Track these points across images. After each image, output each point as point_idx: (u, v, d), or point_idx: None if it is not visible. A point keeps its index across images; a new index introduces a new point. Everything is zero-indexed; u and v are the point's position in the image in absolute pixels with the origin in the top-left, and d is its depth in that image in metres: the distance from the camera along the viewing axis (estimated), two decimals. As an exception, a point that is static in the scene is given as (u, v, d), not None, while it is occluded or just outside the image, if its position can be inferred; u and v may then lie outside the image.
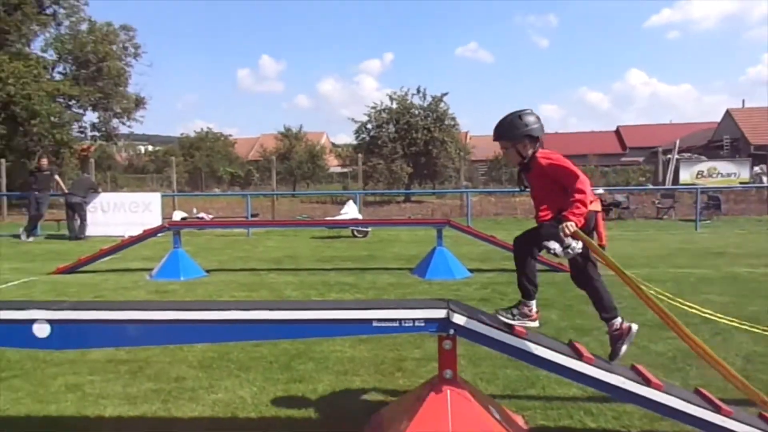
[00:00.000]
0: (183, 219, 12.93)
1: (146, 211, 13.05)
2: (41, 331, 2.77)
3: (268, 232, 13.66)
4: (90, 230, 12.56)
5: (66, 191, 12.98)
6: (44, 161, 13.71)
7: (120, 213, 13.06)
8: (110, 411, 3.27)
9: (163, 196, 14.35)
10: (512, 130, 2.87)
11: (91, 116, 26.86)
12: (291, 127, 39.91)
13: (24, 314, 2.83)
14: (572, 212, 2.62)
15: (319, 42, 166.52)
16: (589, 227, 2.86)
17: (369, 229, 12.68)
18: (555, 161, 2.82)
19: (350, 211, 12.85)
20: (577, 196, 2.65)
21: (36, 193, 12.77)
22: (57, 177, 13.52)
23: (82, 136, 26.66)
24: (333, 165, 39.72)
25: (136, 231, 10.00)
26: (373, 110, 26.07)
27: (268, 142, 42.70)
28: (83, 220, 12.57)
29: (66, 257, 9.02)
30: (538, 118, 2.89)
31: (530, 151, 2.88)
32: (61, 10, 25.25)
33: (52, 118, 22.52)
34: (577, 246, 2.62)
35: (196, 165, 36.22)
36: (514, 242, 2.95)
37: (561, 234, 2.61)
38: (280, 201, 20.18)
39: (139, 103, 27.45)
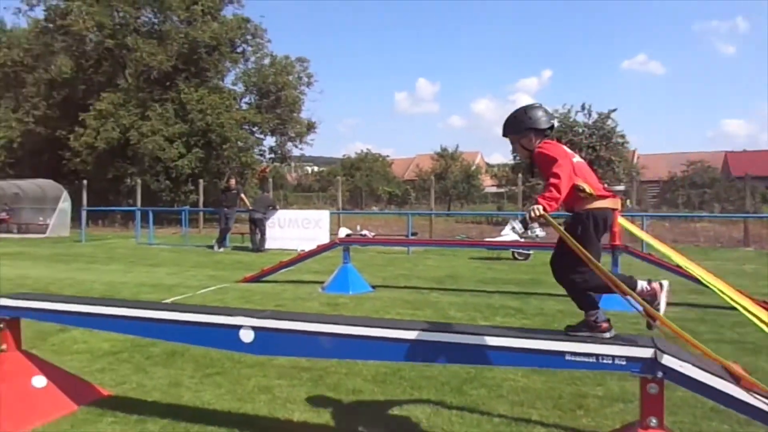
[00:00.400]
0: (347, 236, 13.66)
1: (316, 227, 14.04)
2: (247, 336, 3.06)
3: (426, 251, 13.86)
4: (268, 243, 13.88)
5: (249, 208, 14.54)
6: (232, 181, 15.52)
7: (294, 228, 14.22)
8: (297, 416, 3.48)
9: (330, 213, 15.34)
10: (517, 123, 2.85)
11: (269, 140, 29.97)
12: (447, 147, 40.56)
13: (232, 320, 3.15)
14: (543, 196, 2.59)
15: (473, 63, 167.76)
16: (606, 225, 2.76)
17: (531, 252, 12.20)
18: (542, 149, 2.73)
19: (511, 232, 12.49)
20: (552, 180, 2.59)
21: (225, 209, 14.47)
22: (242, 195, 15.22)
23: (262, 158, 29.80)
24: (487, 185, 39.36)
25: (308, 245, 10.82)
26: (532, 129, 25.33)
27: (423, 162, 43.78)
28: (263, 234, 13.94)
29: (250, 267, 10.04)
30: (546, 111, 2.85)
31: (536, 145, 2.81)
32: (249, 48, 28.74)
33: (240, 143, 25.69)
34: (539, 231, 2.58)
35: (356, 184, 38.37)
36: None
37: (527, 216, 2.56)
38: (436, 220, 20.41)
39: (310, 127, 29.94)
